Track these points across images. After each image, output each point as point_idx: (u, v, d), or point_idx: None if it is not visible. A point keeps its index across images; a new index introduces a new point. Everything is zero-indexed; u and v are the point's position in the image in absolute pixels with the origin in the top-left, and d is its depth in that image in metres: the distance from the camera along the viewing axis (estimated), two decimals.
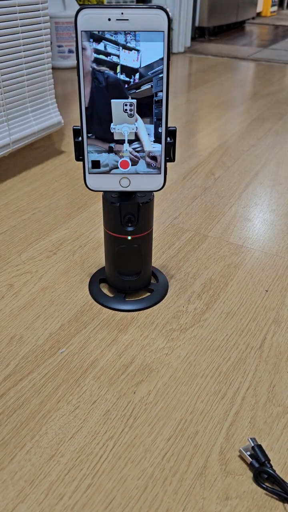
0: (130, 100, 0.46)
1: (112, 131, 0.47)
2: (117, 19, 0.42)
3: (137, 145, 0.48)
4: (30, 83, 0.96)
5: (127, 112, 0.46)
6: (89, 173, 0.50)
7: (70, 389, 0.47)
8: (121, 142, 0.48)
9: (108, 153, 0.49)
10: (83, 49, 0.44)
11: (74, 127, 0.49)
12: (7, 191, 0.89)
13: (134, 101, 0.46)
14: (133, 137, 0.48)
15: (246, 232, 0.76)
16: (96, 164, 0.49)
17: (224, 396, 0.47)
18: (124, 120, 0.47)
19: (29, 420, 0.44)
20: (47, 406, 0.45)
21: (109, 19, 0.42)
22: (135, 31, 0.43)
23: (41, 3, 0.92)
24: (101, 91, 0.45)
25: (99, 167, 0.49)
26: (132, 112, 0.46)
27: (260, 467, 0.39)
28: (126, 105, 0.46)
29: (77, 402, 0.46)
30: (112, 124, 0.47)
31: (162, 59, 0.44)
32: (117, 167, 0.49)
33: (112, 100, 0.46)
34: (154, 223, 0.57)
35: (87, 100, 0.46)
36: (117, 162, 0.49)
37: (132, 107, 0.46)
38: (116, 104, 0.46)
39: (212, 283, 0.64)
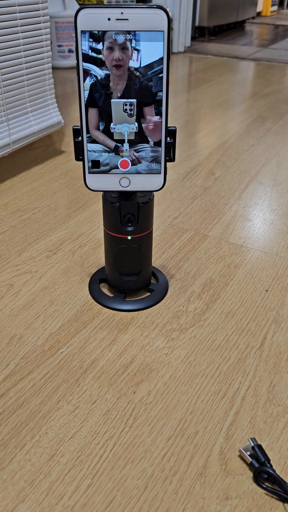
0: (130, 100, 0.46)
1: (112, 131, 0.47)
2: (117, 19, 0.42)
3: (139, 147, 0.48)
4: (30, 83, 0.96)
5: (127, 112, 0.46)
6: (89, 173, 0.50)
7: (70, 389, 0.47)
8: (121, 142, 0.48)
9: (108, 153, 0.49)
10: (126, 48, 0.44)
11: (74, 127, 0.49)
12: (7, 191, 0.89)
13: (134, 101, 0.46)
14: (132, 137, 0.48)
15: (246, 232, 0.76)
16: (96, 164, 0.49)
17: (224, 396, 0.47)
18: (124, 120, 0.47)
19: (29, 420, 0.44)
20: (47, 406, 0.45)
21: (109, 19, 0.42)
22: (135, 31, 0.43)
23: (41, 3, 0.92)
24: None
25: (99, 167, 0.49)
26: (132, 112, 0.46)
27: (260, 467, 0.39)
28: (126, 104, 0.46)
29: (77, 402, 0.46)
30: (112, 124, 0.47)
31: (162, 58, 0.44)
32: (117, 167, 0.49)
33: (112, 100, 0.46)
34: (154, 223, 0.57)
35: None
36: (117, 161, 0.49)
37: (132, 107, 0.46)
38: (116, 104, 0.46)
39: (212, 283, 0.64)
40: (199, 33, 2.99)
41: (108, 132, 0.47)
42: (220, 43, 2.84)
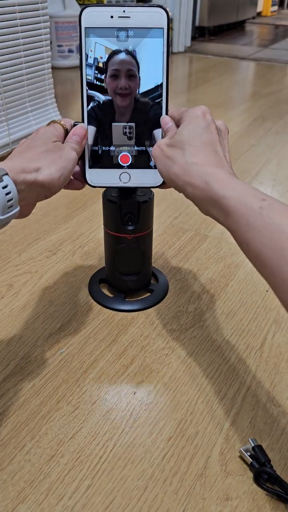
0: (129, 124, 0.47)
1: (111, 154, 0.48)
2: (119, 16, 0.44)
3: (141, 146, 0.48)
4: (30, 82, 0.96)
5: (126, 135, 0.47)
6: (89, 168, 0.50)
7: (70, 389, 0.47)
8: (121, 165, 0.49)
9: (109, 147, 0.49)
10: (134, 76, 0.46)
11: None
12: None
13: (133, 124, 0.47)
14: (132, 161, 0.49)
15: None
16: (96, 159, 0.49)
17: (224, 397, 0.47)
18: (124, 143, 0.48)
19: (29, 421, 0.44)
20: (47, 407, 0.45)
21: (112, 17, 0.44)
22: (136, 28, 0.44)
23: (41, 3, 0.92)
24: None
25: (99, 162, 0.49)
26: (131, 135, 0.47)
27: (260, 468, 0.39)
28: (125, 128, 0.47)
29: (77, 402, 0.46)
30: (111, 146, 0.48)
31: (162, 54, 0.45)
32: (117, 162, 0.49)
33: (113, 124, 0.47)
34: (154, 223, 0.57)
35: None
36: (118, 156, 0.49)
37: (132, 130, 0.47)
38: (116, 127, 0.47)
39: (212, 283, 0.63)
40: (199, 33, 2.99)
41: (107, 155, 0.48)
42: (220, 43, 2.84)
